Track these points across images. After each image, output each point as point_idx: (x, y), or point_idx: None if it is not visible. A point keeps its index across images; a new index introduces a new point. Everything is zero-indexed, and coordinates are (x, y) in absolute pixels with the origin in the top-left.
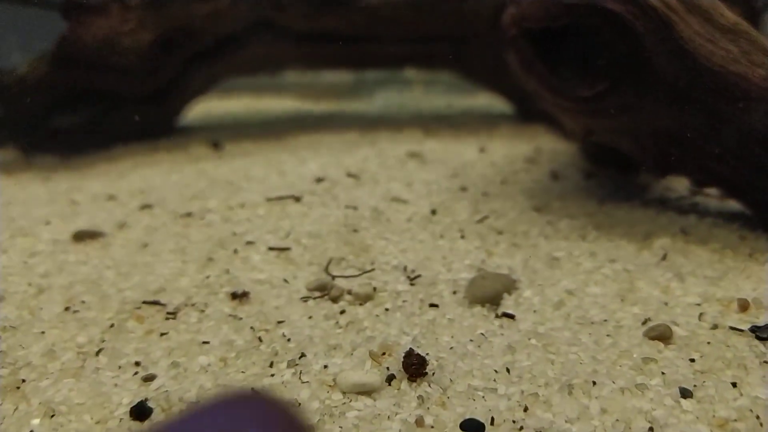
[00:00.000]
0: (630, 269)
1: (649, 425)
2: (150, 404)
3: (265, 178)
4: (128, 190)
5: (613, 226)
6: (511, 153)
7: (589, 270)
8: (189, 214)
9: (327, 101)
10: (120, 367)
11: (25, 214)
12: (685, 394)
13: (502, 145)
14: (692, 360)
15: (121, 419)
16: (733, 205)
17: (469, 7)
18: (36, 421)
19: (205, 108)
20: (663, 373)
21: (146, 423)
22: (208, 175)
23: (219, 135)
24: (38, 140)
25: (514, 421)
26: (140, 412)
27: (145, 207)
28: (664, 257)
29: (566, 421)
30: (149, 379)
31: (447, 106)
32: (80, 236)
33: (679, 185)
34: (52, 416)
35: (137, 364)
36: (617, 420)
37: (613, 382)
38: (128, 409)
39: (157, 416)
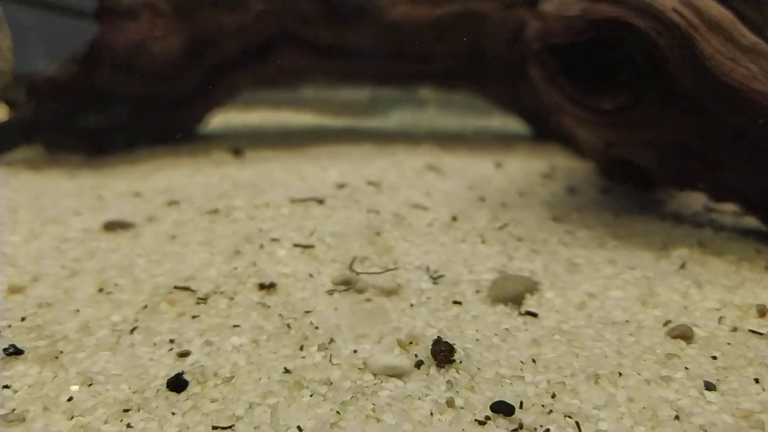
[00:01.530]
0: (649, 276)
1: (675, 413)
2: (186, 377)
3: (287, 182)
4: (153, 188)
5: (631, 236)
6: (527, 169)
7: (609, 276)
8: (215, 211)
9: (343, 118)
10: (155, 344)
11: (55, 204)
12: (709, 386)
13: (517, 161)
14: (714, 357)
15: (158, 390)
16: (749, 221)
17: (488, 27)
18: (75, 388)
19: (225, 119)
20: (686, 368)
21: (182, 394)
22: (232, 177)
23: (239, 143)
24: (65, 139)
25: (543, 406)
26: (177, 384)
27: (172, 203)
28: (682, 266)
29: (594, 408)
30: (184, 354)
31: (461, 125)
32: (111, 226)
33: (694, 202)
34: (90, 384)
35: (171, 341)
36: (644, 408)
37: (639, 374)
38: (165, 380)
39: (192, 388)
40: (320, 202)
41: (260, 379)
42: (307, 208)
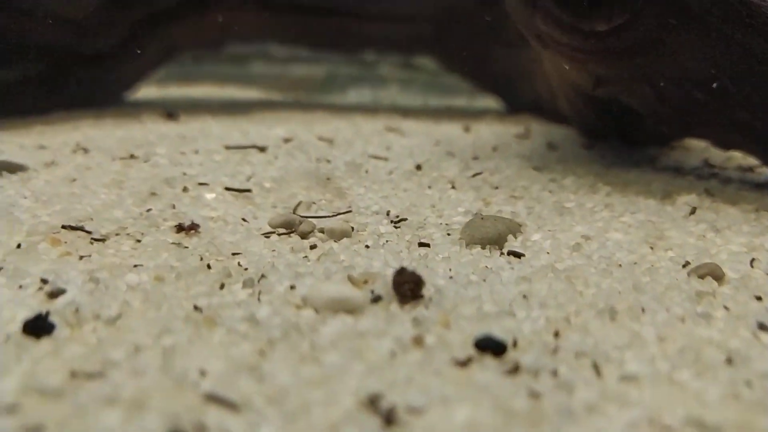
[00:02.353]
0: (654, 220)
1: (724, 357)
2: (53, 319)
3: (225, 135)
4: (63, 142)
5: (626, 185)
6: (499, 132)
7: (607, 219)
8: (132, 156)
9: (296, 94)
10: (20, 287)
11: None
12: (765, 327)
13: (488, 127)
14: (759, 298)
15: (8, 335)
16: (759, 176)
17: None
18: None
19: (161, 92)
20: (727, 308)
21: (44, 339)
22: (159, 132)
23: (176, 109)
24: None
25: (544, 344)
26: (36, 326)
27: (79, 150)
28: (692, 212)
29: (614, 348)
30: (56, 294)
31: (423, 103)
32: None
33: (693, 158)
34: None
35: (44, 281)
36: (682, 349)
37: (667, 311)
38: (21, 324)
39: (60, 332)
40: (262, 149)
41: (157, 318)
42: (245, 155)
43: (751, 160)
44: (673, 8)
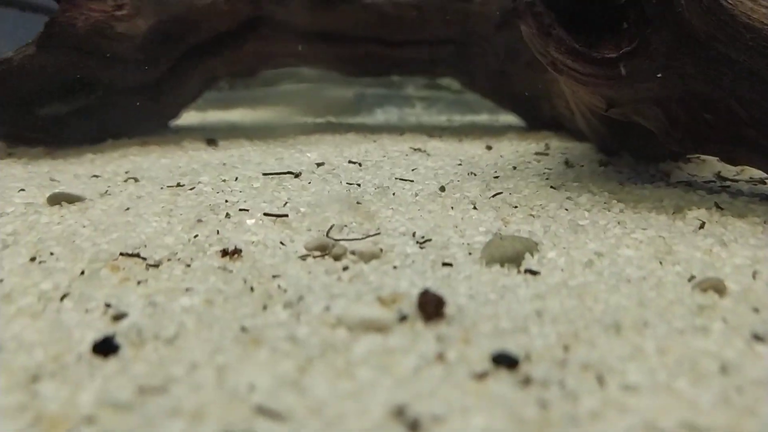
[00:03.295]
0: (665, 236)
1: (719, 365)
2: (118, 340)
3: (261, 162)
4: (114, 171)
5: (639, 201)
6: (520, 150)
7: (619, 235)
8: (178, 185)
9: (326, 116)
10: (87, 310)
11: None
12: (759, 337)
13: (509, 144)
14: (756, 310)
15: (80, 355)
16: None
17: (474, 9)
18: None
19: (200, 116)
20: (725, 320)
21: (111, 359)
22: (202, 159)
23: (215, 135)
24: (22, 129)
25: (554, 358)
26: (104, 347)
27: (131, 179)
28: (701, 226)
29: (618, 360)
30: (120, 317)
31: (448, 120)
32: (56, 198)
33: (705, 172)
34: None
35: (108, 305)
36: (679, 359)
37: (669, 324)
38: (90, 345)
39: (125, 352)
40: (296, 175)
41: (210, 338)
42: (281, 182)
43: (763, 173)
44: (680, 35)
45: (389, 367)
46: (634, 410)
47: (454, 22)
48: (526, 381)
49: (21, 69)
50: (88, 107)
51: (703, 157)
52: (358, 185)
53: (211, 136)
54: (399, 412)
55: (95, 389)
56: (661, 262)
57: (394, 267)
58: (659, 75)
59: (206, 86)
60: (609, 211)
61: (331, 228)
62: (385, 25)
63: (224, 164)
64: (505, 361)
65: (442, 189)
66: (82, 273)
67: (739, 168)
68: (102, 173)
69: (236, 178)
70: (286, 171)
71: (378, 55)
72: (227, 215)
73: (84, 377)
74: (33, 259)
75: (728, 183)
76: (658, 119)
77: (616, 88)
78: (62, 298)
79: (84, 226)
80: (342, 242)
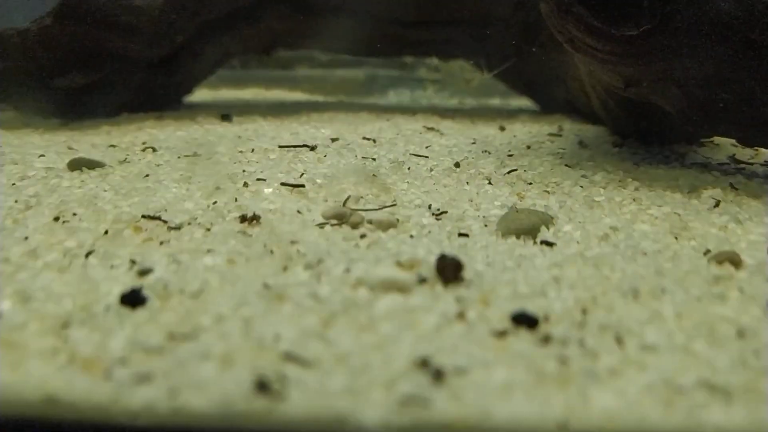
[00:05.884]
0: (680, 213)
1: (735, 331)
2: (145, 293)
3: (276, 136)
4: (131, 141)
5: (654, 180)
6: (533, 131)
7: (634, 211)
8: (195, 154)
9: (339, 96)
10: (112, 266)
11: (18, 152)
12: None
13: (522, 125)
14: None
15: (108, 306)
16: None
17: None
18: (6, 304)
19: (213, 94)
20: (742, 290)
21: (138, 309)
22: (218, 132)
23: (229, 111)
24: (39, 100)
25: (573, 319)
26: (132, 299)
27: (148, 149)
28: (716, 205)
29: (636, 323)
30: (145, 272)
31: (460, 103)
32: (76, 164)
33: (721, 154)
34: (26, 301)
35: (133, 262)
36: (697, 324)
37: (686, 292)
38: (118, 297)
39: (152, 304)
40: (312, 149)
41: (234, 294)
42: (296, 154)
43: None
44: (701, 15)
45: (411, 324)
46: (653, 368)
47: (469, 2)
48: (546, 339)
49: (38, 40)
50: (103, 80)
51: (717, 140)
52: (374, 159)
53: (225, 112)
54: (423, 363)
55: (125, 335)
56: (676, 237)
57: (411, 236)
58: (680, 54)
59: (221, 62)
60: (624, 188)
61: (347, 199)
62: (400, 6)
63: (239, 137)
64: (524, 320)
65: (457, 165)
66: (106, 233)
67: (753, 151)
68: (119, 143)
69: (252, 150)
70: (301, 144)
71: (394, 34)
72: (245, 184)
73: (114, 325)
74: (56, 219)
75: (743, 165)
76: (676, 99)
77: (635, 66)
78: (87, 255)
79: (105, 191)
80: (359, 212)
